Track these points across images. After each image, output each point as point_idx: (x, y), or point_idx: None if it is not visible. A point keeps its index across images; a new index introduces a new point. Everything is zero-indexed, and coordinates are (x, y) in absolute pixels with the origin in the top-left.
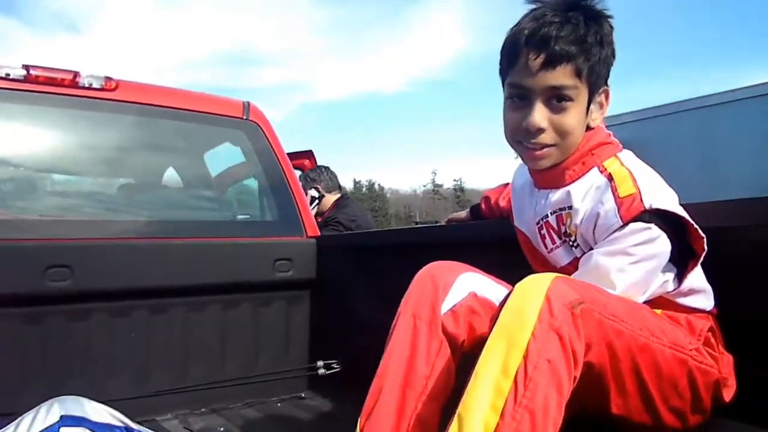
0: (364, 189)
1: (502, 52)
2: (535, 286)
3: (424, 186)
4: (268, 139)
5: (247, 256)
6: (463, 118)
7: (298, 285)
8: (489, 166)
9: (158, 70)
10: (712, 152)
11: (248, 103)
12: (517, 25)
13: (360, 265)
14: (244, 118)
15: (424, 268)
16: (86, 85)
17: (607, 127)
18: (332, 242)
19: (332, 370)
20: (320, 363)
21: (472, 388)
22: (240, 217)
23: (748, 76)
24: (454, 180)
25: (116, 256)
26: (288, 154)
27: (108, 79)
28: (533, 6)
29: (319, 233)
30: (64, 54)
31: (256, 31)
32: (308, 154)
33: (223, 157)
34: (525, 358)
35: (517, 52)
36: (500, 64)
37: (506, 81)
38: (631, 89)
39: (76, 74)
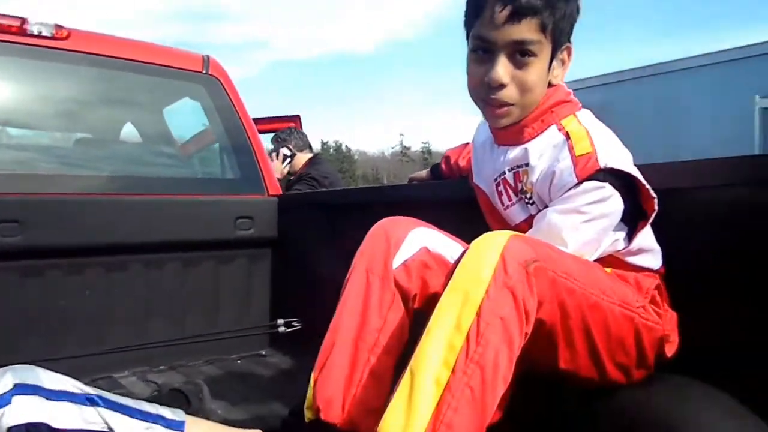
0: (331, 150)
1: (468, 1)
2: (491, 243)
3: (393, 148)
4: (228, 94)
5: (208, 213)
6: (434, 81)
7: (259, 243)
8: (457, 129)
9: (113, 23)
10: (671, 116)
11: (208, 57)
12: None
13: (322, 224)
14: (204, 72)
15: (377, 223)
16: (35, 33)
17: (573, 91)
18: (294, 200)
19: (293, 328)
20: (281, 321)
21: (424, 344)
22: (200, 174)
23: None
24: (423, 143)
25: (70, 212)
26: (274, 117)
27: (59, 27)
28: None
29: (281, 192)
30: (10, 1)
31: None
32: (295, 119)
33: (183, 112)
34: (478, 315)
35: (483, 3)
36: (465, 14)
37: (471, 33)
38: (601, 53)
39: (23, 21)
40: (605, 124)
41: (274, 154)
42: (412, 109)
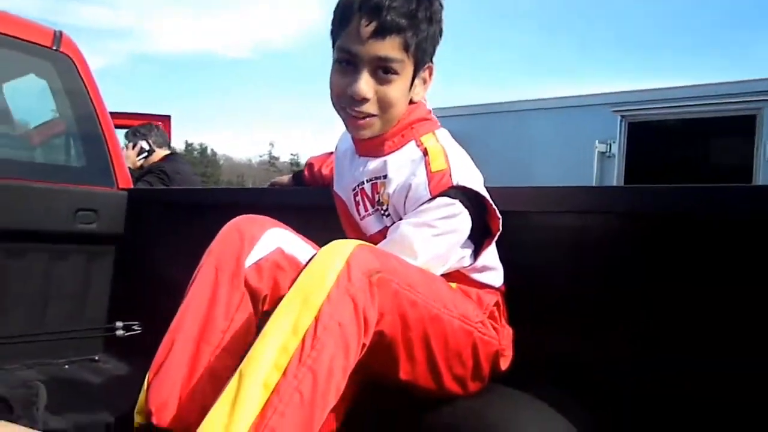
0: (195, 153)
1: (335, 12)
2: (338, 250)
3: (261, 156)
4: (81, 76)
5: (44, 202)
6: (307, 93)
7: (102, 239)
8: (327, 143)
9: None
10: (522, 151)
11: (60, 33)
12: None
13: (174, 223)
14: (54, 48)
15: (231, 221)
16: None
17: (437, 117)
18: (146, 196)
19: (132, 332)
20: (119, 324)
21: (258, 346)
22: (40, 159)
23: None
24: (292, 154)
25: None
26: (143, 114)
27: None
28: None
29: (132, 185)
30: None
31: None
32: (164, 118)
33: (26, 90)
34: (316, 318)
35: (349, 16)
36: (332, 24)
37: (336, 43)
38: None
39: None
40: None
41: (130, 145)
42: (283, 119)
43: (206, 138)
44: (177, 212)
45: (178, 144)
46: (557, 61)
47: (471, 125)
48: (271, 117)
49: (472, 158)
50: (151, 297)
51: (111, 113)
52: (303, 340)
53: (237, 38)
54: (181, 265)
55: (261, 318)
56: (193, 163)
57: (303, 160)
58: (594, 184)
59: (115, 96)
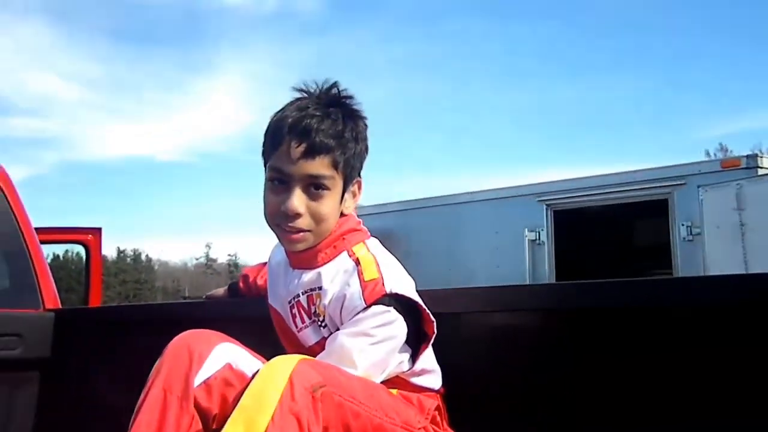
0: (128, 259)
1: (266, 134)
2: (280, 368)
3: (197, 259)
4: (4, 193)
5: None
6: (242, 195)
7: (26, 365)
8: (265, 244)
9: None
10: (457, 242)
11: None
12: (282, 110)
13: (107, 343)
14: None
15: (178, 336)
16: None
17: (375, 214)
18: (75, 316)
19: None
20: None
21: None
22: None
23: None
24: (229, 255)
25: None
26: (73, 228)
27: None
28: (298, 96)
29: (60, 305)
30: None
31: (11, 78)
32: (94, 231)
33: None
34: None
35: (280, 138)
36: (263, 145)
37: (268, 163)
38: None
39: None
40: (401, 246)
41: None
42: (220, 219)
43: (140, 244)
44: (110, 330)
45: (109, 252)
46: (493, 150)
47: (409, 220)
48: (208, 218)
49: (411, 252)
50: (85, 424)
51: (37, 229)
52: None
53: (171, 141)
54: (117, 387)
55: None
56: (125, 270)
57: (241, 261)
58: (526, 272)
59: (43, 207)
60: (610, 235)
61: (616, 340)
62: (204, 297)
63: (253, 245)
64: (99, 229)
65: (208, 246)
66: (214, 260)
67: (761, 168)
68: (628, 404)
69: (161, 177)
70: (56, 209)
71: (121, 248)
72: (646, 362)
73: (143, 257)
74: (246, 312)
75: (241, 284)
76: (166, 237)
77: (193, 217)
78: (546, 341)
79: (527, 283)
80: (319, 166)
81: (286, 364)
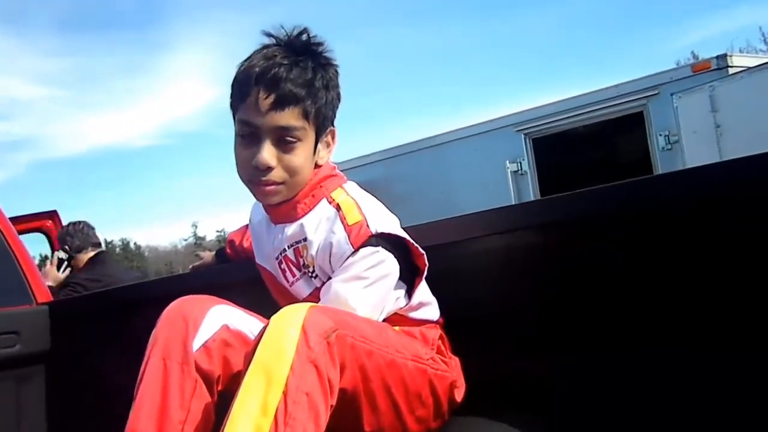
0: (117, 249)
1: (233, 85)
2: (291, 317)
3: (186, 240)
4: None
5: None
6: (221, 169)
7: (28, 360)
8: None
9: None
10: (446, 182)
11: None
12: (249, 59)
13: (104, 328)
14: None
15: (171, 304)
16: None
17: (358, 167)
18: (69, 306)
19: None
20: None
21: (229, 430)
22: None
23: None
24: (217, 231)
25: None
26: (27, 215)
27: None
28: (266, 42)
29: (52, 298)
30: None
31: None
32: (51, 215)
33: None
34: (285, 394)
35: (247, 89)
36: (231, 97)
37: (236, 116)
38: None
39: None
40: (387, 194)
41: (50, 260)
42: (204, 197)
43: (126, 233)
44: (106, 315)
45: None
46: (466, 89)
47: (392, 167)
48: (191, 198)
49: (398, 199)
50: (93, 409)
51: None
52: (275, 419)
53: (145, 125)
54: (120, 369)
55: (219, 400)
56: (117, 261)
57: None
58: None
59: (24, 208)
60: (591, 156)
61: (606, 247)
62: (190, 268)
63: (240, 218)
64: (54, 212)
65: (194, 225)
66: (203, 238)
67: (732, 67)
68: (626, 320)
69: (140, 163)
70: (37, 210)
71: (108, 239)
72: (636, 268)
73: (132, 245)
74: (235, 276)
75: (228, 250)
76: (153, 222)
77: (177, 199)
78: (534, 259)
79: None
80: (289, 117)
81: (296, 313)
